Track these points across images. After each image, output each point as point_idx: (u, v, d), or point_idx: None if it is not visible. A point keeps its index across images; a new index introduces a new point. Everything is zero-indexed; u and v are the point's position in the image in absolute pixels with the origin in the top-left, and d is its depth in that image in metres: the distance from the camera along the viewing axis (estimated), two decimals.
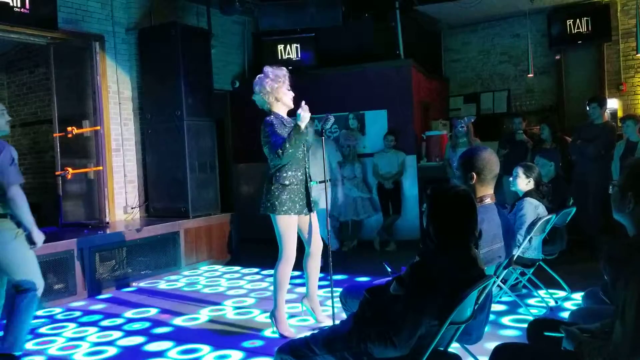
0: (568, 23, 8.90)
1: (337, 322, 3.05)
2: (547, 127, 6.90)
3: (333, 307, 3.88)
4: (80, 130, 6.76)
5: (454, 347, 2.48)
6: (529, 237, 4.19)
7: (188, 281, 6.12)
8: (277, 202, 3.91)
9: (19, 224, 3.51)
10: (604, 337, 1.94)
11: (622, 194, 1.95)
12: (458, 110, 9.95)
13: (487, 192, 2.86)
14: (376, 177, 7.59)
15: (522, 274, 4.63)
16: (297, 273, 4.31)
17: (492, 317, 3.70)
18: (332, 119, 3.96)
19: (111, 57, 7.00)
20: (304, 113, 3.76)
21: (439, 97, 9.80)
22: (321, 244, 4.25)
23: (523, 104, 9.76)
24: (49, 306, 5.13)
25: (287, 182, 3.93)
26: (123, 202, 7.15)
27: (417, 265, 2.30)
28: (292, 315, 4.39)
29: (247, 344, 3.96)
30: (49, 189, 7.39)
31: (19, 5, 5.71)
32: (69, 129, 6.74)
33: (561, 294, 4.73)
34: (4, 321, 3.57)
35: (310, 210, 4.08)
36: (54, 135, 6.88)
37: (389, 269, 2.98)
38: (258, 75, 4.05)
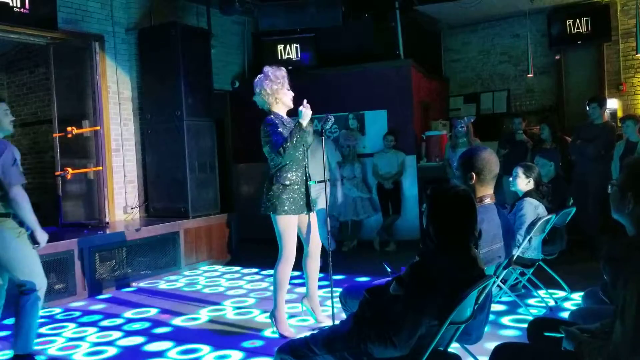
0: (568, 23, 8.91)
1: (337, 322, 3.05)
2: (547, 127, 6.90)
3: (333, 307, 3.88)
4: (80, 131, 6.76)
5: (454, 347, 2.49)
6: (528, 237, 4.20)
7: (188, 281, 6.12)
8: (277, 202, 3.91)
9: (22, 223, 3.53)
10: (604, 337, 1.94)
11: (622, 194, 1.95)
12: (458, 110, 9.95)
13: (487, 192, 2.86)
14: (376, 177, 7.59)
15: (522, 274, 4.63)
16: (297, 273, 4.31)
17: (492, 317, 3.70)
18: (331, 119, 3.96)
19: (111, 57, 7.00)
20: (306, 110, 3.76)
21: (438, 97, 9.81)
22: (320, 244, 4.26)
23: (523, 104, 9.76)
24: (49, 306, 5.13)
25: (287, 182, 3.93)
26: (123, 202, 7.16)
27: (417, 265, 2.30)
28: (292, 315, 4.39)
29: (247, 344, 3.96)
30: (48, 189, 7.39)
31: (18, 5, 5.71)
32: (69, 129, 6.74)
33: (561, 294, 4.73)
34: (4, 321, 3.57)
35: (310, 209, 4.08)
36: (54, 135, 6.88)
37: (389, 269, 2.98)
38: (258, 76, 4.05)
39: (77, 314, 5.00)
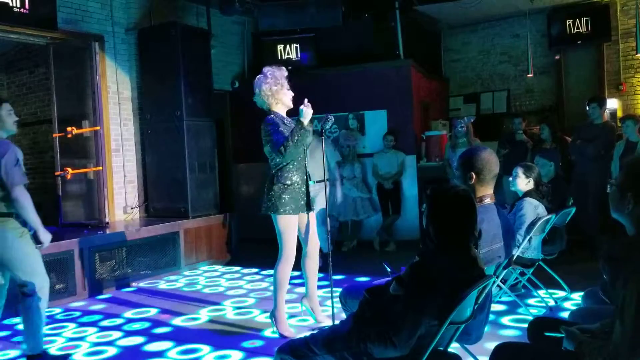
0: (568, 23, 8.91)
1: (337, 322, 3.05)
2: (547, 127, 6.90)
3: (333, 307, 3.88)
4: (79, 131, 6.76)
5: (454, 347, 2.49)
6: (528, 237, 4.20)
7: (188, 281, 6.12)
8: (279, 202, 3.91)
9: (25, 223, 3.55)
10: (604, 337, 1.94)
11: (621, 193, 1.95)
12: (458, 110, 9.95)
13: (486, 192, 2.86)
14: (376, 177, 7.59)
15: (522, 274, 4.63)
16: (297, 273, 4.31)
17: (491, 317, 3.70)
18: (331, 119, 3.96)
19: (111, 57, 7.00)
20: (307, 109, 3.75)
21: (438, 97, 9.81)
22: (318, 244, 4.26)
23: (523, 104, 9.76)
24: (49, 306, 5.09)
25: (289, 182, 3.94)
26: (123, 202, 7.16)
27: (417, 265, 2.30)
28: (292, 316, 4.39)
29: (247, 344, 3.96)
30: (48, 189, 7.39)
31: (18, 5, 5.71)
32: (69, 129, 6.74)
33: (561, 294, 4.73)
34: (4, 321, 3.58)
35: (310, 209, 4.09)
36: (54, 135, 6.88)
37: (389, 269, 2.99)
38: (258, 76, 4.05)
39: (77, 314, 5.00)
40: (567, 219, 4.76)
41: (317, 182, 5.47)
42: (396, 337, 2.13)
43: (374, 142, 7.90)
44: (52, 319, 4.83)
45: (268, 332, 4.15)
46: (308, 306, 4.28)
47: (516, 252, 4.11)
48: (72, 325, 4.65)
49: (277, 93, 3.98)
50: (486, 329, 2.75)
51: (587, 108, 6.31)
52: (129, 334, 4.34)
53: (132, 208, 7.19)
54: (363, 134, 8.00)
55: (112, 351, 3.97)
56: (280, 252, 4.01)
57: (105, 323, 4.67)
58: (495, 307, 4.39)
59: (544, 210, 4.36)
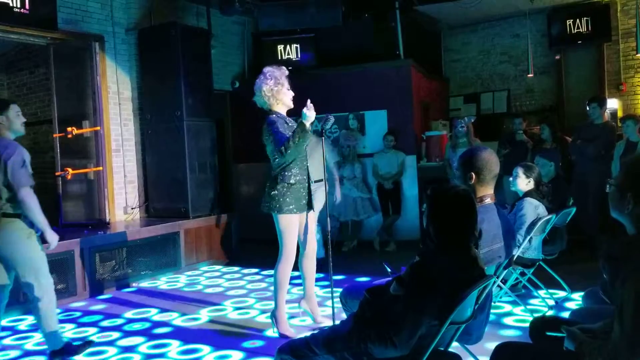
0: (568, 23, 8.91)
1: (337, 322, 3.05)
2: (547, 127, 6.89)
3: (333, 307, 3.88)
4: (80, 131, 6.76)
5: (454, 347, 2.49)
6: (529, 237, 4.19)
7: (188, 281, 6.12)
8: (282, 201, 3.91)
9: (32, 224, 3.59)
10: (604, 337, 1.94)
11: (621, 193, 1.94)
12: (458, 111, 9.95)
13: (487, 192, 2.86)
14: (376, 178, 7.59)
15: (522, 274, 4.62)
16: (296, 273, 4.31)
17: (492, 317, 3.70)
18: (332, 119, 3.95)
19: (111, 58, 7.00)
20: (309, 112, 3.74)
21: (439, 97, 9.81)
22: (315, 245, 4.27)
23: (523, 104, 9.76)
24: None
25: (292, 181, 3.94)
26: (123, 202, 7.15)
27: (417, 265, 2.30)
28: (292, 316, 4.39)
29: (247, 344, 3.96)
30: (49, 190, 7.38)
31: (18, 5, 5.71)
32: (69, 129, 6.74)
33: (561, 294, 4.73)
34: (4, 321, 3.60)
35: (311, 208, 4.09)
36: (54, 135, 6.88)
37: (389, 269, 2.99)
38: (258, 76, 4.05)
39: (78, 314, 5.00)
40: (567, 219, 4.76)
41: (316, 182, 5.46)
42: (396, 337, 2.13)
43: (374, 142, 7.90)
44: None
45: (269, 332, 4.15)
46: (306, 308, 4.28)
47: (516, 252, 4.11)
48: (72, 325, 4.64)
49: (277, 93, 3.98)
50: (486, 329, 2.75)
51: (588, 108, 6.31)
52: (130, 334, 4.35)
53: (132, 208, 7.19)
54: (363, 134, 8.00)
55: (112, 351, 3.97)
56: (281, 252, 4.01)
57: (106, 323, 4.67)
58: (495, 307, 4.39)
59: (544, 211, 4.36)
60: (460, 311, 2.20)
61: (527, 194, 4.44)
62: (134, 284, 6.02)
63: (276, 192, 3.94)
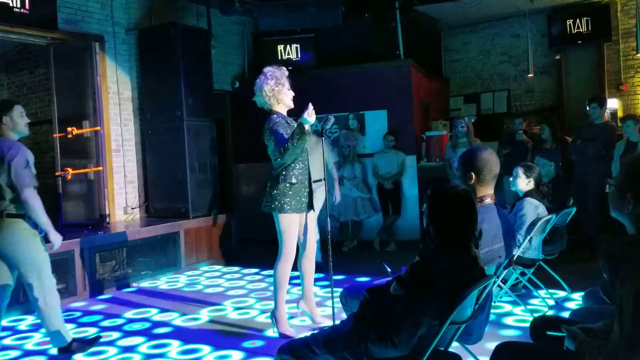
0: (568, 23, 8.91)
1: (337, 322, 3.05)
2: (547, 127, 6.89)
3: (333, 307, 3.88)
4: (80, 131, 6.76)
5: (455, 347, 2.49)
6: (529, 237, 4.19)
7: (188, 281, 6.12)
8: (284, 201, 3.92)
9: (36, 225, 3.60)
10: (605, 336, 1.94)
11: (621, 193, 1.94)
12: (458, 111, 9.95)
13: (487, 192, 2.86)
14: (376, 178, 7.59)
15: (522, 274, 4.62)
16: (296, 273, 4.31)
17: (492, 317, 3.70)
18: (332, 119, 3.93)
19: (111, 58, 7.00)
20: (310, 118, 3.73)
21: (439, 97, 9.80)
22: (315, 245, 4.27)
23: (523, 104, 9.76)
24: None
25: (294, 181, 3.94)
26: (123, 202, 7.15)
27: (417, 265, 2.30)
28: (291, 316, 4.39)
29: (247, 344, 3.96)
30: (49, 190, 7.38)
31: (18, 5, 5.71)
32: (69, 129, 6.74)
33: (561, 294, 4.73)
34: (5, 321, 3.61)
35: (311, 207, 4.09)
36: (54, 135, 6.88)
37: (389, 269, 2.98)
38: (259, 77, 4.05)
39: (78, 314, 5.00)
40: (567, 219, 4.76)
41: (315, 181, 5.46)
42: (397, 337, 2.13)
43: (374, 142, 7.90)
44: None
45: (269, 332, 4.15)
46: (305, 308, 4.27)
47: (517, 252, 4.11)
48: (72, 325, 4.63)
49: (278, 93, 3.98)
50: (487, 329, 2.75)
51: (588, 108, 6.31)
52: (130, 334, 4.35)
53: (132, 208, 7.19)
54: (363, 134, 8.00)
55: (112, 351, 3.97)
56: (280, 251, 4.02)
57: (106, 323, 4.67)
58: (495, 307, 4.39)
59: (545, 210, 4.36)
60: (461, 311, 2.20)
61: (527, 194, 4.44)
62: (134, 284, 6.02)
63: (278, 191, 3.94)
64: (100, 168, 6.74)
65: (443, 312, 2.16)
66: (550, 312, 4.34)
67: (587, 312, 2.67)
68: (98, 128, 6.74)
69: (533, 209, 4.32)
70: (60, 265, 5.33)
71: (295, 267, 4.16)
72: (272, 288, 4.20)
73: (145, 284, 6.06)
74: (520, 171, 4.50)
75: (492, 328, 3.87)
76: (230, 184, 8.85)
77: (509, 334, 3.90)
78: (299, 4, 8.17)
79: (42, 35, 6.37)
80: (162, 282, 6.11)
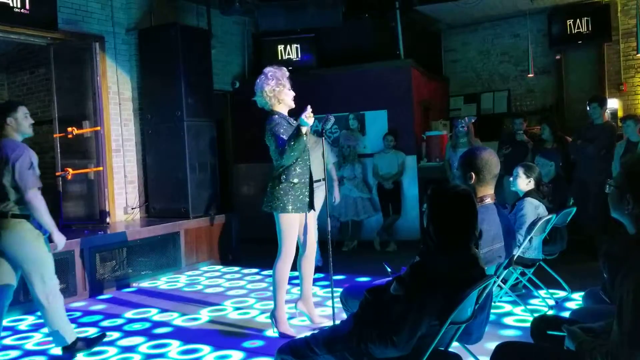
0: (568, 23, 8.90)
1: (337, 322, 3.05)
2: (548, 127, 6.88)
3: (333, 307, 3.88)
4: (80, 131, 6.76)
5: (455, 347, 2.49)
6: (529, 237, 4.19)
7: (188, 281, 6.12)
8: (285, 200, 3.92)
9: (40, 225, 3.61)
10: (605, 336, 1.94)
11: (621, 194, 1.94)
12: (458, 111, 9.95)
13: (487, 192, 2.86)
14: (376, 178, 7.59)
15: (523, 274, 4.62)
16: (296, 273, 4.31)
17: (492, 317, 3.70)
18: (332, 120, 3.93)
19: (111, 58, 7.00)
20: (308, 121, 3.72)
21: (439, 97, 9.80)
22: (314, 246, 4.26)
23: (523, 104, 9.75)
24: None
25: (296, 180, 3.95)
26: (123, 202, 7.15)
27: (417, 265, 2.30)
28: (290, 317, 4.39)
29: (247, 344, 3.96)
30: (49, 190, 7.39)
31: (19, 5, 5.72)
32: (69, 129, 6.74)
33: (561, 294, 4.73)
34: (5, 321, 3.62)
35: (312, 207, 4.09)
36: (54, 135, 6.88)
37: (389, 269, 2.98)
38: (259, 77, 4.05)
39: (78, 314, 5.00)
40: (567, 219, 4.76)
41: (315, 182, 5.46)
42: (397, 337, 2.13)
43: (374, 142, 7.90)
44: None
45: (269, 332, 4.15)
46: (303, 309, 4.27)
47: (517, 252, 4.11)
48: (72, 325, 4.63)
49: (279, 94, 3.99)
50: (487, 329, 2.75)
51: (588, 108, 6.31)
52: (130, 334, 4.35)
53: (132, 208, 7.19)
54: (363, 134, 8.00)
55: (112, 351, 3.97)
56: (280, 250, 4.02)
57: (106, 323, 4.67)
58: (495, 307, 4.39)
59: (545, 210, 4.36)
60: (461, 311, 2.20)
61: (528, 194, 4.44)
62: (134, 284, 6.02)
63: (279, 191, 3.94)
64: (101, 168, 6.75)
65: (443, 312, 2.16)
66: (550, 312, 4.33)
67: (587, 312, 2.67)
68: (98, 128, 6.74)
69: (533, 209, 4.32)
70: (61, 265, 5.31)
71: (294, 267, 4.16)
72: (272, 288, 4.21)
73: (146, 284, 6.06)
74: (520, 171, 4.50)
75: (492, 328, 3.87)
76: (230, 184, 8.85)
77: (509, 334, 3.90)
78: (299, 4, 8.17)
79: (43, 36, 6.37)
80: (162, 282, 6.11)
